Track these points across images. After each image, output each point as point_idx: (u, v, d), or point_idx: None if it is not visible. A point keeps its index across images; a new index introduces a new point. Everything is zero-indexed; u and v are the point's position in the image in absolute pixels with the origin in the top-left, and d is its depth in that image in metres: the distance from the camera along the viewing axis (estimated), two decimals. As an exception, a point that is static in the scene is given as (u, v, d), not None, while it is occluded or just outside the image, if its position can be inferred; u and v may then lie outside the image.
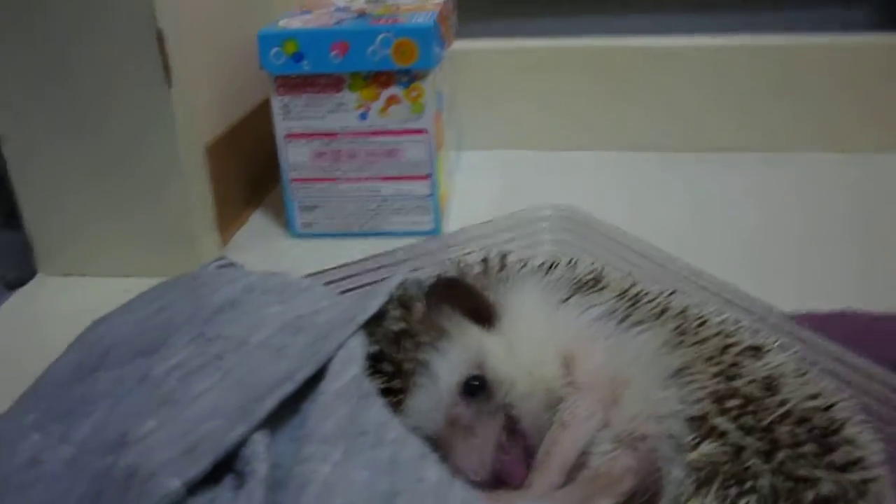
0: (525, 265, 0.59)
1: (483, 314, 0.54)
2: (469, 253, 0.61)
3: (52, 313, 0.93)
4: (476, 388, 0.52)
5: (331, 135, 1.01)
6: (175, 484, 0.36)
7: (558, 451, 0.49)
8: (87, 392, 0.44)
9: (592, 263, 0.59)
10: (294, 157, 1.03)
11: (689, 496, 0.44)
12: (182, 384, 0.43)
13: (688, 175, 1.21)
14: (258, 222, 1.14)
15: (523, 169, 1.27)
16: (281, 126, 1.01)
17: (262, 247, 1.06)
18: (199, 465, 0.38)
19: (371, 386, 0.48)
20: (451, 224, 1.08)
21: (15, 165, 0.94)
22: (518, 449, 0.51)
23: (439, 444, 0.51)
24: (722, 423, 0.46)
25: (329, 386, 0.43)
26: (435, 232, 1.06)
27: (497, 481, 0.50)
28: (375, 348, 0.52)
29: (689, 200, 1.12)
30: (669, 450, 0.47)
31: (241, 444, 0.40)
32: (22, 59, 0.88)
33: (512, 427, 0.52)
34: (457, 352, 0.52)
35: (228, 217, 1.09)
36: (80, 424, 0.42)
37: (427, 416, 0.51)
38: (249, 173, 1.17)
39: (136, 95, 0.88)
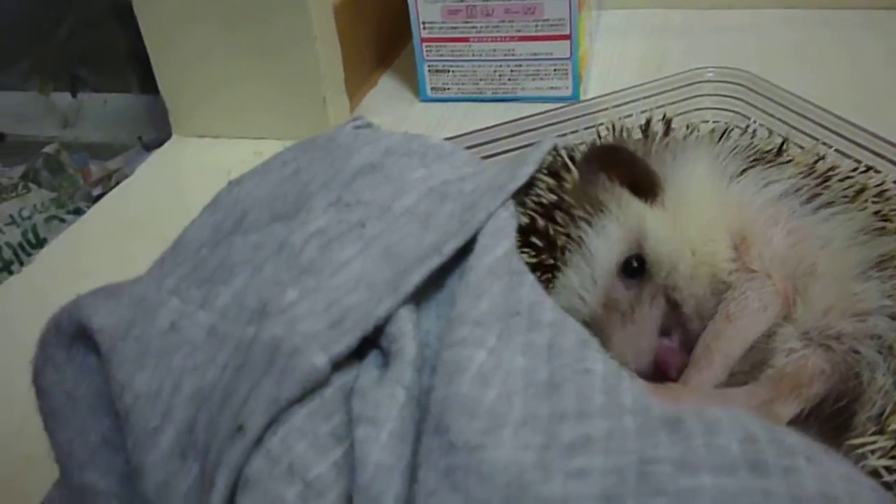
0: (693, 132, 0.52)
1: (645, 185, 0.48)
2: (625, 117, 0.54)
3: (187, 174, 0.94)
4: (635, 269, 0.46)
5: (465, -11, 0.94)
6: (322, 360, 0.34)
7: (720, 346, 0.44)
8: (226, 258, 0.41)
9: (773, 133, 0.51)
10: (425, 14, 0.96)
11: (895, 408, 0.38)
12: (323, 253, 0.40)
13: (867, 33, 1.06)
14: (387, 86, 1.09)
15: (670, 31, 1.15)
16: (412, -20, 0.94)
17: (391, 111, 1.02)
18: (346, 340, 0.35)
19: (520, 262, 0.43)
20: (591, 92, 1.00)
21: (149, 32, 0.93)
22: (678, 337, 0.47)
23: (593, 328, 0.46)
24: (936, 322, 0.39)
25: (479, 261, 0.39)
26: (573, 98, 0.98)
27: (655, 371, 0.45)
28: (525, 220, 0.47)
29: (868, 62, 0.98)
30: (873, 352, 0.40)
31: (388, 319, 0.37)
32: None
33: (673, 312, 0.47)
34: (614, 227, 0.47)
35: (358, 79, 1.05)
36: (220, 291, 0.40)
37: (581, 297, 0.46)
38: (379, 34, 1.12)
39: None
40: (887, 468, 0.35)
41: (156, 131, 1.03)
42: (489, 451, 0.29)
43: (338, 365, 0.36)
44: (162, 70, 0.96)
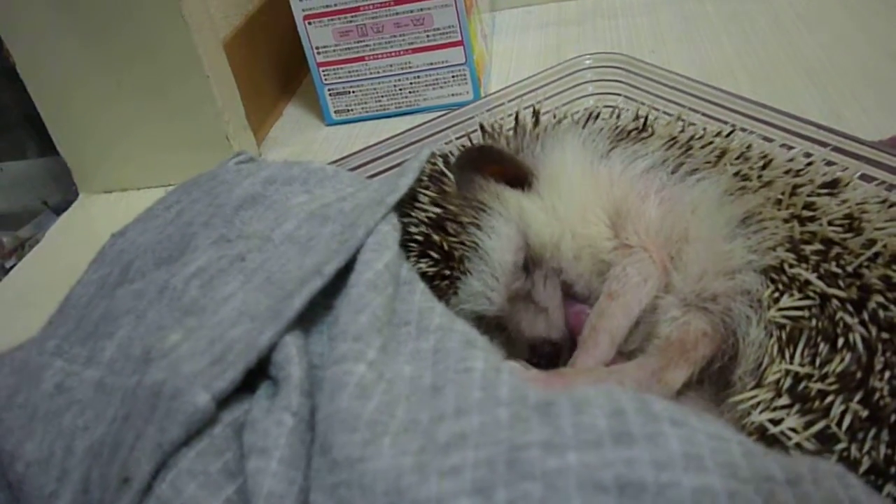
0: (561, 120, 0.54)
1: (519, 177, 0.50)
2: (503, 118, 0.55)
3: (97, 232, 0.92)
4: (527, 259, 0.49)
5: (353, 10, 0.94)
6: (203, 399, 0.34)
7: (605, 324, 0.45)
8: (109, 310, 0.41)
9: (637, 110, 0.53)
10: (317, 39, 0.97)
11: (772, 359, 0.39)
12: (204, 291, 0.40)
13: (735, 5, 1.10)
14: (292, 115, 1.09)
15: (565, 22, 1.18)
16: (298, 7, 0.94)
17: (298, 140, 1.02)
18: (229, 375, 0.35)
19: (411, 271, 0.44)
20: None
21: (38, 93, 0.92)
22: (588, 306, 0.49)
23: (506, 323, 0.48)
24: (802, 272, 0.40)
25: (360, 277, 0.39)
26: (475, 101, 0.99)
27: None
28: (420, 238, 0.48)
29: (740, 33, 1.02)
30: (745, 308, 0.41)
31: (273, 348, 0.37)
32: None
33: (567, 291, 0.49)
34: (501, 224, 0.48)
35: (262, 112, 1.04)
36: (105, 345, 0.39)
37: (487, 298, 0.48)
38: (277, 64, 1.11)
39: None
40: (771, 420, 0.36)
41: (61, 193, 1.01)
42: (369, 462, 0.29)
43: (226, 401, 0.35)
44: (58, 130, 0.94)
